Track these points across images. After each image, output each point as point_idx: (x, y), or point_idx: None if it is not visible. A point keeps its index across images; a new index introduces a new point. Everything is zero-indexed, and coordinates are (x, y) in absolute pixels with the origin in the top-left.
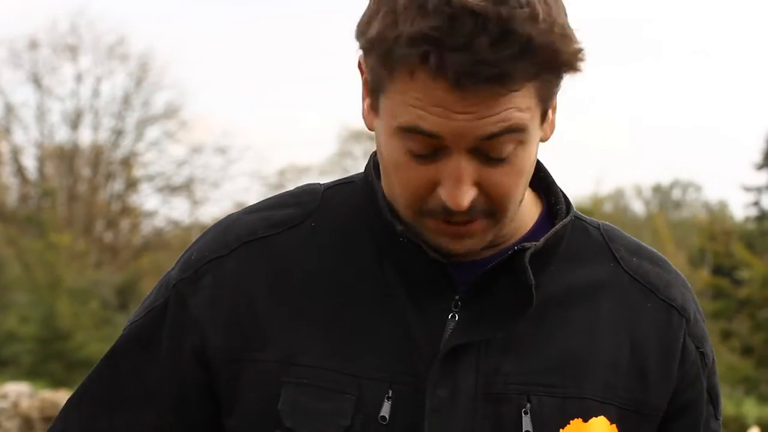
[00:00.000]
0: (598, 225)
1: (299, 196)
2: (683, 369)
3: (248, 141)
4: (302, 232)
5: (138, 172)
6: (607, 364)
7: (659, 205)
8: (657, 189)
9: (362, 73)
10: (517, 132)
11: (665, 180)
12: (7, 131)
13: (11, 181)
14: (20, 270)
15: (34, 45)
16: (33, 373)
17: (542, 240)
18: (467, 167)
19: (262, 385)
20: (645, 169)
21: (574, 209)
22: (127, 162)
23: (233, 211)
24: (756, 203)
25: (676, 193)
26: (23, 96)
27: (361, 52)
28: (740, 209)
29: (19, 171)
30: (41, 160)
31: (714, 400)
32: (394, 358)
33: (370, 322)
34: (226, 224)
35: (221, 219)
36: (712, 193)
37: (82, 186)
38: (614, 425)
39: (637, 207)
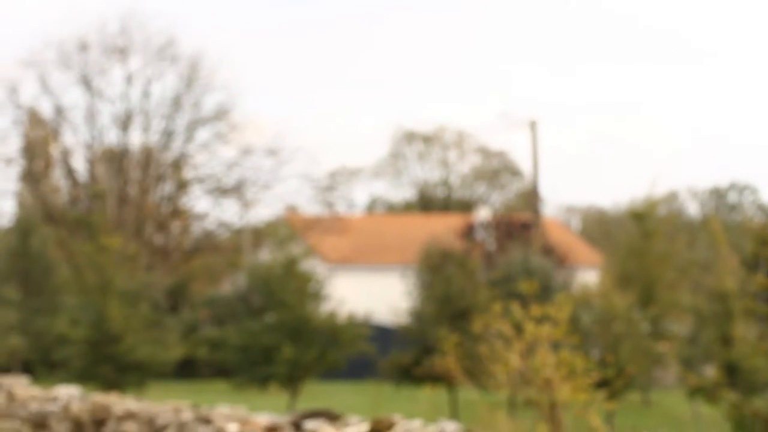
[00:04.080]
0: None
1: None
2: None
3: (299, 143)
4: None
5: (188, 174)
6: None
7: (715, 208)
8: (714, 192)
9: None
10: None
11: (722, 182)
12: (57, 133)
13: (61, 183)
14: (70, 273)
15: (83, 47)
16: (84, 376)
17: None
18: None
19: None
20: (702, 171)
21: None
22: (177, 164)
23: (284, 213)
24: None
25: (732, 196)
26: (73, 98)
27: None
28: None
29: (69, 173)
30: (91, 162)
31: None
32: None
33: None
34: None
35: None
36: None
37: (132, 188)
38: None
39: (692, 209)
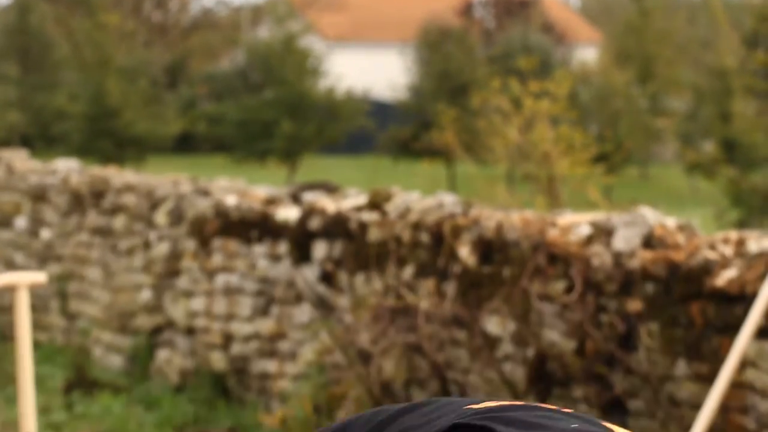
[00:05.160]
0: None
1: None
2: None
3: None
4: None
5: None
6: None
7: None
8: None
9: None
10: None
11: None
12: None
13: None
14: (69, 49)
15: None
16: (83, 151)
17: None
18: None
19: None
20: None
21: None
22: None
23: None
24: None
25: None
26: None
27: None
28: None
29: None
30: None
31: None
32: None
33: None
34: None
35: None
36: None
37: None
38: None
39: None
